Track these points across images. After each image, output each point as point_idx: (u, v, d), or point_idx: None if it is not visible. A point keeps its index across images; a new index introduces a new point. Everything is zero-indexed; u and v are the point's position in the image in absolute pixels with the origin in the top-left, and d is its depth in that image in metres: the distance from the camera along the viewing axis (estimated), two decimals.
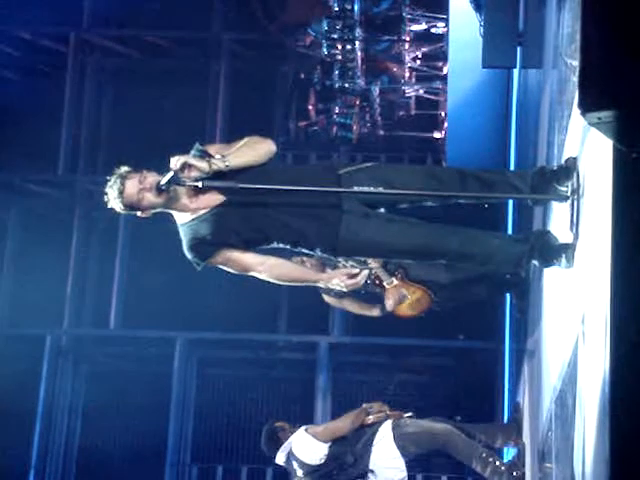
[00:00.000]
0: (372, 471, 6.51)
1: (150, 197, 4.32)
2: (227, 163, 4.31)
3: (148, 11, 11.15)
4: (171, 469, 10.37)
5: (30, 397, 10.35)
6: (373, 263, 6.49)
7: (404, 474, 6.58)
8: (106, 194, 4.36)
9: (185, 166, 4.26)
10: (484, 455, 6.42)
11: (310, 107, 11.04)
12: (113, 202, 4.35)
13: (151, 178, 4.31)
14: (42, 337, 10.66)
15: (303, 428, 6.58)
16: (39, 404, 10.44)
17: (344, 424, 6.54)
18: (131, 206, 4.36)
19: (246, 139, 4.46)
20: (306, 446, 6.46)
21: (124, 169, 4.36)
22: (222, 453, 10.71)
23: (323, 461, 6.45)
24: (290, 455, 6.52)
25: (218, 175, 4.32)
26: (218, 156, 4.33)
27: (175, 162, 4.27)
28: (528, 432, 6.30)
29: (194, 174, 4.28)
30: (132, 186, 4.30)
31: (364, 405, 6.68)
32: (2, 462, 9.76)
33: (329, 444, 6.45)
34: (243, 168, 4.35)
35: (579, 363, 3.69)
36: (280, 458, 6.57)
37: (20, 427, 10.23)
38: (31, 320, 10.65)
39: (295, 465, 6.51)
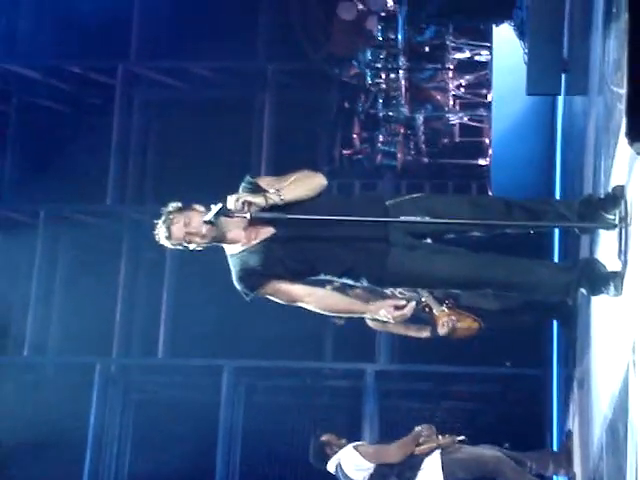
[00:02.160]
0: None
1: (197, 239, 4.41)
2: (282, 197, 4.37)
3: (194, 43, 11.29)
4: None
5: (80, 425, 10.44)
6: (422, 291, 6.50)
7: None
8: (156, 235, 4.45)
9: (245, 204, 4.31)
10: None
11: (355, 135, 11.09)
12: (163, 242, 4.45)
13: (196, 219, 4.37)
14: (92, 366, 10.76)
15: (352, 445, 6.66)
16: (89, 432, 10.52)
17: (396, 453, 6.57)
18: (180, 245, 4.45)
19: (298, 173, 4.51)
20: (353, 463, 6.58)
21: (171, 207, 4.43)
22: None
23: (367, 479, 6.52)
24: (338, 467, 6.62)
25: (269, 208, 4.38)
26: (272, 190, 4.39)
27: (234, 201, 4.32)
28: (579, 461, 6.25)
29: (253, 209, 4.33)
30: (178, 231, 4.39)
31: (416, 429, 6.69)
32: None
33: (375, 465, 6.52)
34: (295, 202, 4.41)
35: (630, 392, 3.68)
36: (331, 467, 6.70)
37: (71, 455, 10.31)
38: (81, 349, 10.76)
39: (341, 477, 6.63)
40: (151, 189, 11.57)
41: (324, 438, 6.76)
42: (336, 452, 6.67)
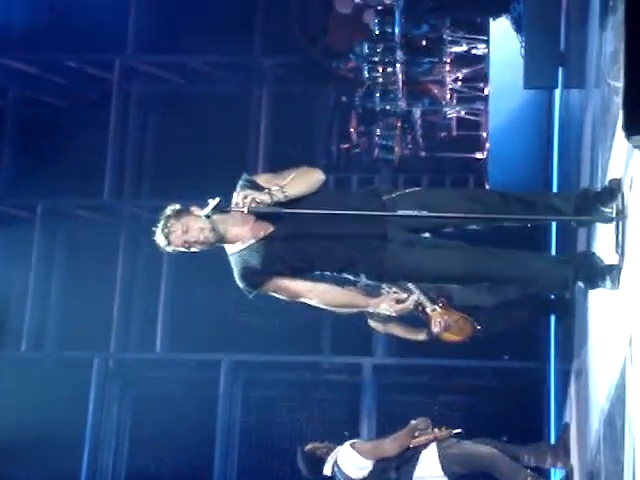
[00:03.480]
0: None
1: (196, 246, 4.43)
2: (286, 194, 4.38)
3: (191, 37, 11.28)
4: None
5: (78, 420, 10.45)
6: (416, 290, 6.51)
7: None
8: (155, 241, 4.47)
9: (252, 202, 4.31)
10: (529, 478, 6.41)
11: (352, 130, 11.09)
12: (163, 247, 4.47)
13: (194, 226, 4.37)
14: (89, 361, 10.76)
15: (349, 443, 6.66)
16: (87, 427, 10.53)
17: (392, 447, 6.58)
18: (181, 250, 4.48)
19: (296, 170, 4.52)
20: (351, 461, 6.56)
21: (169, 211, 4.43)
22: (268, 475, 10.74)
23: (366, 476, 6.52)
24: (335, 466, 6.59)
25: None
26: (275, 187, 4.39)
27: (241, 199, 4.32)
28: (576, 453, 6.27)
29: (259, 207, 4.34)
30: (177, 239, 4.41)
31: (411, 422, 6.71)
32: None
33: (373, 461, 6.51)
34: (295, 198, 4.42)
35: (627, 385, 3.69)
36: (327, 470, 6.66)
37: (69, 450, 10.32)
38: (78, 344, 10.77)
39: (339, 476, 6.59)
40: (148, 183, 11.57)
41: (309, 447, 6.77)
42: (327, 453, 6.66)
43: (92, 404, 10.61)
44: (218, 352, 10.64)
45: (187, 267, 10.73)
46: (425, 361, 10.38)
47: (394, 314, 4.58)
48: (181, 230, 4.38)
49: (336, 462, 6.61)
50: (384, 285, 6.28)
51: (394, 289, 6.19)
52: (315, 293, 4.49)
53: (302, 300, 4.54)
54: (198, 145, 11.22)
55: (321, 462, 6.66)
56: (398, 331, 7.04)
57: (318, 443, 6.77)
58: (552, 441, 8.20)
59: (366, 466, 6.53)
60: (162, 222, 4.42)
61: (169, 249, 4.45)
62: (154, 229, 4.46)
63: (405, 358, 10.51)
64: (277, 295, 4.55)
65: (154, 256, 10.92)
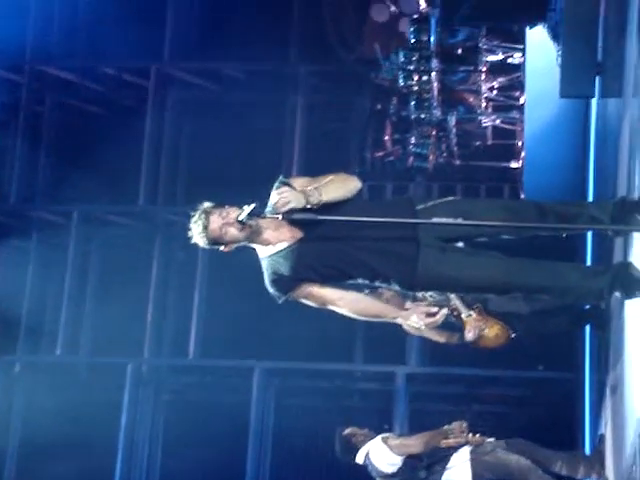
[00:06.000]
0: None
1: (233, 231, 4.39)
2: (322, 198, 4.36)
3: (226, 44, 11.34)
4: None
5: (112, 426, 10.50)
6: (451, 295, 6.45)
7: None
8: (190, 230, 4.44)
9: (286, 204, 4.30)
10: None
11: (386, 137, 11.08)
12: (197, 237, 4.43)
13: (233, 213, 4.38)
14: (123, 366, 10.82)
15: (380, 437, 6.65)
16: (121, 432, 10.58)
17: (419, 443, 6.58)
18: (215, 241, 4.43)
19: (333, 175, 4.50)
20: (381, 455, 6.57)
21: (207, 205, 4.44)
22: None
23: (395, 471, 6.52)
24: (367, 459, 6.61)
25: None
26: (311, 188, 4.38)
27: (283, 205, 4.30)
28: (612, 465, 6.21)
29: (292, 206, 4.33)
30: (215, 221, 4.38)
31: (445, 427, 6.69)
32: None
33: (403, 457, 6.51)
34: (327, 204, 4.40)
35: None
36: (360, 459, 6.68)
37: (102, 455, 10.37)
38: (112, 349, 10.83)
39: (370, 468, 6.63)
40: (183, 190, 11.63)
41: (348, 431, 6.76)
42: (363, 442, 6.66)
43: (126, 409, 10.66)
44: (251, 359, 10.66)
45: (220, 273, 10.77)
46: (458, 370, 10.34)
47: (423, 327, 4.53)
48: (220, 215, 4.38)
49: (368, 454, 6.61)
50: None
51: (430, 294, 6.15)
52: (345, 302, 4.47)
53: (331, 308, 4.51)
54: (233, 152, 11.26)
55: (355, 449, 6.67)
56: (431, 335, 6.96)
57: (358, 429, 6.76)
58: (587, 452, 8.13)
59: (395, 462, 6.54)
60: (201, 210, 4.41)
61: (203, 238, 4.39)
62: (192, 213, 4.44)
63: (438, 367, 10.47)
64: (306, 302, 4.53)
65: (188, 262, 10.98)
